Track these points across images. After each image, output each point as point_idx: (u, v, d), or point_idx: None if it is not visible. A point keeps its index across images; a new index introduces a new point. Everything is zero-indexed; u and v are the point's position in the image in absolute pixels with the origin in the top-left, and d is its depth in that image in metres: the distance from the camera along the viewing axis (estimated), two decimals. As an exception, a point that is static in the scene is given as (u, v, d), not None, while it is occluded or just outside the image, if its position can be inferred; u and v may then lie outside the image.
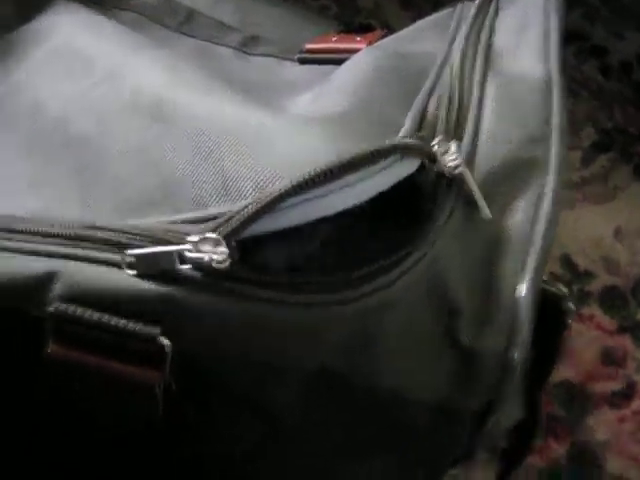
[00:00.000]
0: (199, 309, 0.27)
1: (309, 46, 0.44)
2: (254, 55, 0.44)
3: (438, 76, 0.35)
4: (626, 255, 0.66)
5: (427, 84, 0.35)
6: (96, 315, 0.27)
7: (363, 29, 0.47)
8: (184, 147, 0.31)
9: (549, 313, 0.40)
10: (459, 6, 0.43)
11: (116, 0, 0.46)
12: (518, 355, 0.29)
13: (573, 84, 0.77)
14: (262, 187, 0.28)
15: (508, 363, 0.29)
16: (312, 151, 0.29)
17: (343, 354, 0.28)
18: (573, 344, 0.61)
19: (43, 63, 0.39)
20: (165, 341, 0.27)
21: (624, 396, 0.59)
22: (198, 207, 0.29)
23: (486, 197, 0.31)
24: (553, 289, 0.40)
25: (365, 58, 0.38)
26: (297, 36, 0.46)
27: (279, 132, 0.30)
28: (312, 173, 0.26)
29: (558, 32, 0.38)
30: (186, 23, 0.46)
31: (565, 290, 0.40)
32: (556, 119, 0.34)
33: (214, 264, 0.26)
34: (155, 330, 0.26)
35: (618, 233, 0.67)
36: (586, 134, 0.73)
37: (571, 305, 0.41)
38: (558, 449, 0.56)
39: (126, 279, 0.27)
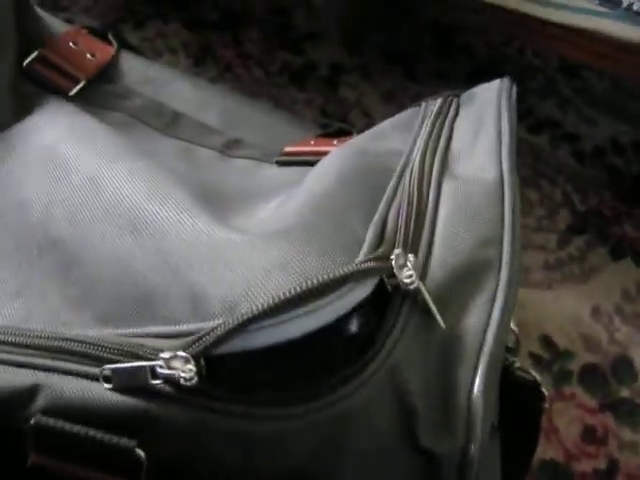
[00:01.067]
0: (171, 423, 0.29)
1: (288, 149, 0.47)
2: (235, 157, 0.47)
3: (399, 181, 0.38)
4: (604, 334, 0.68)
5: (388, 191, 0.37)
6: (75, 428, 0.29)
7: (341, 133, 0.50)
8: (155, 261, 0.33)
9: (525, 399, 0.42)
10: (423, 105, 0.46)
11: (106, 101, 0.49)
12: (474, 452, 0.31)
13: (548, 169, 0.80)
14: (230, 307, 0.30)
15: (466, 461, 0.31)
16: (274, 272, 0.31)
17: (310, 461, 0.30)
18: (555, 423, 0.62)
19: (29, 163, 0.41)
20: (140, 453, 0.28)
21: (607, 474, 0.61)
22: (170, 322, 0.31)
23: (441, 301, 0.33)
24: (525, 375, 0.42)
25: (331, 160, 0.40)
26: (279, 140, 0.48)
27: (245, 251, 0.32)
28: (280, 300, 0.28)
29: (510, 133, 0.40)
30: (171, 124, 0.49)
31: (536, 376, 0.42)
32: (508, 219, 0.36)
33: (182, 381, 0.28)
34: (131, 443, 0.28)
35: (596, 312, 0.69)
36: (562, 217, 0.76)
37: (544, 390, 0.43)
38: (543, 529, 0.57)
39: (103, 392, 0.29)
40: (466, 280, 0.34)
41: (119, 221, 0.35)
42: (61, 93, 0.48)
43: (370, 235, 0.34)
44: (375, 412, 0.30)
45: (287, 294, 0.28)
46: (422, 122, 0.43)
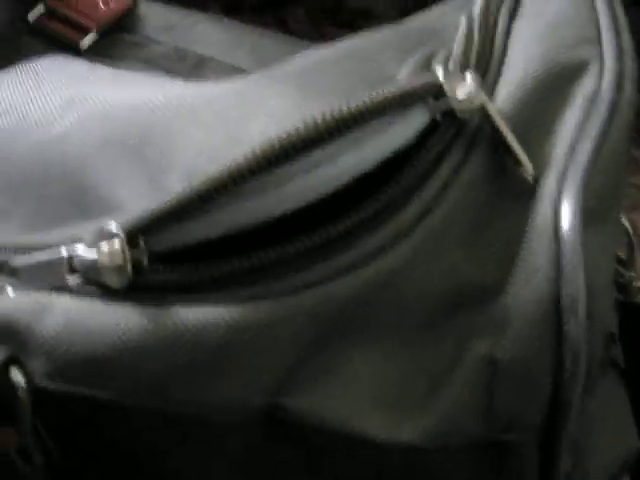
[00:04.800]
0: (84, 333, 0.21)
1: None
2: None
3: (455, 28, 0.29)
4: None
5: (439, 37, 0.28)
6: None
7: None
8: (99, 138, 0.25)
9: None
10: None
11: (120, 52, 0.44)
12: (574, 324, 0.21)
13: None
14: (190, 175, 0.22)
15: (565, 336, 0.21)
16: (258, 121, 0.23)
17: (298, 381, 0.21)
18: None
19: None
20: (20, 379, 0.21)
21: None
22: (116, 212, 0.23)
23: (518, 131, 0.24)
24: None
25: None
26: None
27: (217, 104, 0.25)
28: (259, 154, 0.20)
29: None
30: (195, 69, 0.43)
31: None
32: (605, 19, 0.27)
33: (104, 263, 0.19)
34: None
35: None
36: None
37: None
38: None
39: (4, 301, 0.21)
40: (552, 93, 0.25)
41: (60, 105, 0.28)
42: (71, 48, 0.43)
43: (406, 68, 0.25)
44: (407, 299, 0.22)
45: (269, 146, 0.20)
46: None
